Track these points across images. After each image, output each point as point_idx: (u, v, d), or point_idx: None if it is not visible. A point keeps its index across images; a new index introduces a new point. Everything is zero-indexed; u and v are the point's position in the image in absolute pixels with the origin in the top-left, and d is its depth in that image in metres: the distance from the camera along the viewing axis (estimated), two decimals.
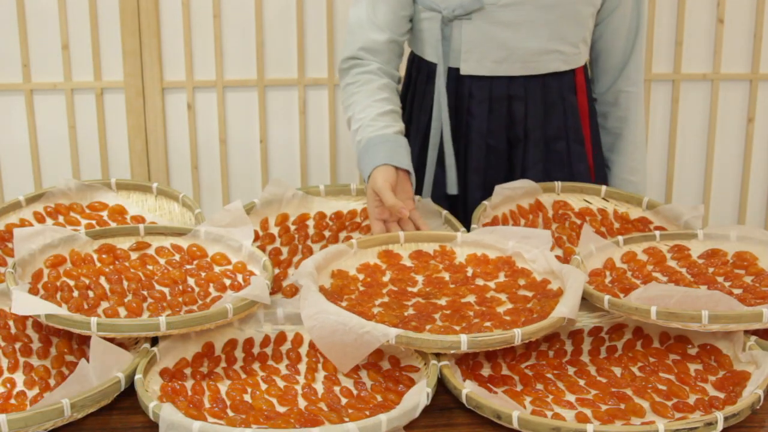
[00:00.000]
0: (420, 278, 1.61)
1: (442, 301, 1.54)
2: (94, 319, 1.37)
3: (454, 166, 1.94)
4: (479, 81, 1.91)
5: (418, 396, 1.29)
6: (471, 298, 1.56)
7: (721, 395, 1.37)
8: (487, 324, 1.47)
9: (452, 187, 1.94)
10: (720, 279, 1.61)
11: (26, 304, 1.40)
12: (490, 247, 1.67)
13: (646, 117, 2.83)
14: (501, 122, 1.94)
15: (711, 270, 1.64)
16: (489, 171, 1.97)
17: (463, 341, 1.35)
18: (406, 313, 1.48)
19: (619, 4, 1.95)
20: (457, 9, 1.85)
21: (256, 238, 1.76)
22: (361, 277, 1.60)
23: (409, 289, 1.57)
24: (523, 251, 1.64)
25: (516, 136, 1.95)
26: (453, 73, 1.92)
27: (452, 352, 1.37)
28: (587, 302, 1.56)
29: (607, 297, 1.46)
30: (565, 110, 1.96)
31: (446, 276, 1.62)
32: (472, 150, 1.96)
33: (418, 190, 1.98)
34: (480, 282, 1.61)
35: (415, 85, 2.01)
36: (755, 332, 1.46)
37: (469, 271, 1.63)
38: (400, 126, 1.85)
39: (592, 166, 2.03)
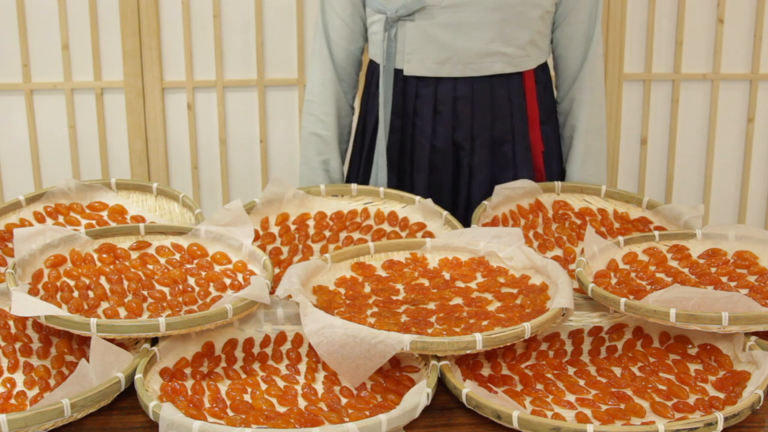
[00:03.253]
0: (400, 287, 1.61)
1: (431, 306, 1.54)
2: (93, 320, 1.37)
3: (386, 166, 1.97)
4: (425, 82, 1.94)
5: (418, 396, 1.29)
6: (458, 300, 1.56)
7: (721, 395, 1.37)
8: (485, 323, 1.47)
9: (383, 185, 1.98)
10: (724, 279, 1.61)
11: (26, 305, 1.40)
12: (460, 249, 1.67)
13: (646, 117, 2.83)
14: (447, 124, 1.95)
15: (713, 270, 1.64)
16: (434, 172, 1.99)
17: (479, 340, 1.35)
18: (401, 321, 1.48)
19: (572, 11, 1.96)
20: (400, 9, 1.88)
21: (257, 237, 1.77)
22: (342, 291, 1.59)
23: (394, 297, 1.57)
24: (497, 250, 1.64)
25: (462, 137, 1.96)
26: (400, 74, 1.95)
27: (468, 352, 1.37)
28: (587, 302, 1.56)
29: (623, 300, 1.46)
30: (513, 114, 1.97)
31: (425, 282, 1.62)
32: (417, 151, 1.98)
33: None
34: (460, 284, 1.61)
35: (369, 88, 2.05)
36: (755, 332, 1.46)
37: (446, 275, 1.63)
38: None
39: (544, 172, 2.03)
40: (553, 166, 2.04)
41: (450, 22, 1.88)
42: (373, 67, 2.03)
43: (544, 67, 2.01)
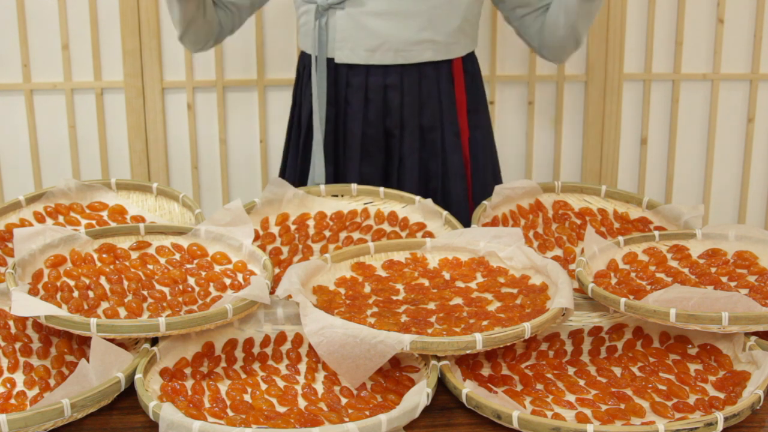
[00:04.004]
0: (400, 287, 1.61)
1: (431, 306, 1.54)
2: (93, 320, 1.37)
3: (322, 154, 2.00)
4: (355, 70, 1.96)
5: (418, 396, 1.29)
6: (458, 300, 1.56)
7: (721, 395, 1.37)
8: (485, 323, 1.47)
9: (320, 177, 2.00)
10: (724, 279, 1.61)
11: (26, 305, 1.40)
12: (460, 249, 1.67)
13: (646, 117, 2.83)
14: (377, 111, 1.99)
15: (713, 270, 1.64)
16: (366, 159, 2.02)
17: (479, 340, 1.35)
18: (401, 321, 1.48)
19: None
20: None
21: (257, 237, 1.77)
22: (342, 291, 1.59)
23: (394, 297, 1.57)
24: (497, 250, 1.64)
25: (392, 125, 1.99)
26: (331, 64, 1.97)
27: (468, 352, 1.37)
28: (587, 302, 1.56)
29: (623, 300, 1.46)
30: (441, 101, 2.00)
31: (425, 282, 1.62)
32: (349, 139, 2.00)
33: (304, 182, 2.07)
34: (460, 284, 1.61)
35: (301, 80, 2.08)
36: (755, 332, 1.46)
37: (446, 275, 1.63)
38: None
39: (469, 158, 2.05)
40: (479, 153, 2.07)
41: (381, 10, 1.91)
42: (304, 58, 2.05)
43: (472, 57, 2.05)
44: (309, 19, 1.97)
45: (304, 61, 2.06)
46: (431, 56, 1.96)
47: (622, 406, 1.36)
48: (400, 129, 2.00)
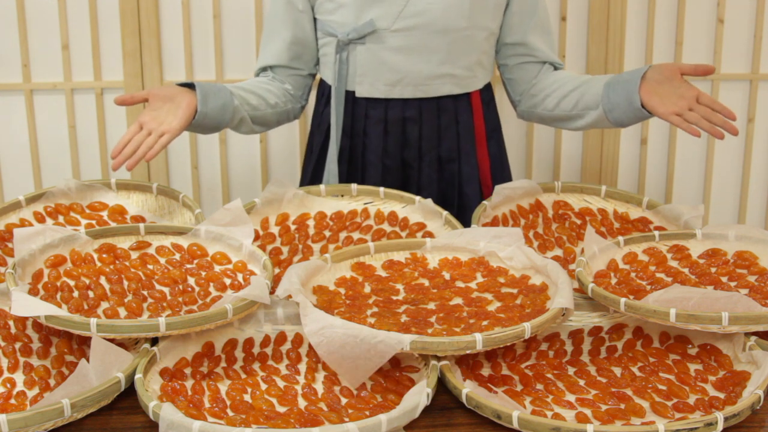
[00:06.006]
0: (400, 287, 1.61)
1: (431, 306, 1.54)
2: (93, 320, 1.37)
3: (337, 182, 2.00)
4: (374, 103, 1.98)
5: (418, 396, 1.29)
6: (458, 300, 1.56)
7: (721, 395, 1.37)
8: (485, 323, 1.47)
9: None
10: (724, 279, 1.61)
11: (26, 305, 1.40)
12: (460, 249, 1.67)
13: None
14: (396, 143, 2.00)
15: (713, 270, 1.64)
16: None
17: (479, 340, 1.35)
18: (401, 321, 1.48)
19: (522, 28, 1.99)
20: (351, 33, 1.92)
21: (257, 237, 1.77)
22: (342, 291, 1.59)
23: (394, 297, 1.57)
24: (497, 250, 1.64)
25: (410, 156, 2.01)
26: (350, 96, 1.99)
27: (468, 352, 1.37)
28: (587, 302, 1.56)
29: (623, 300, 1.46)
30: (459, 133, 2.01)
31: (425, 282, 1.62)
32: (368, 170, 2.01)
33: None
34: (460, 284, 1.61)
35: (318, 108, 2.08)
36: (755, 332, 1.46)
37: (446, 275, 1.63)
38: (236, 90, 1.94)
39: (491, 186, 2.04)
40: (497, 181, 2.06)
41: (400, 45, 1.92)
42: (322, 88, 2.07)
43: (488, 86, 2.05)
44: (329, 51, 1.98)
45: (323, 91, 2.07)
46: (450, 90, 1.97)
47: (622, 406, 1.36)
48: (418, 160, 2.01)
